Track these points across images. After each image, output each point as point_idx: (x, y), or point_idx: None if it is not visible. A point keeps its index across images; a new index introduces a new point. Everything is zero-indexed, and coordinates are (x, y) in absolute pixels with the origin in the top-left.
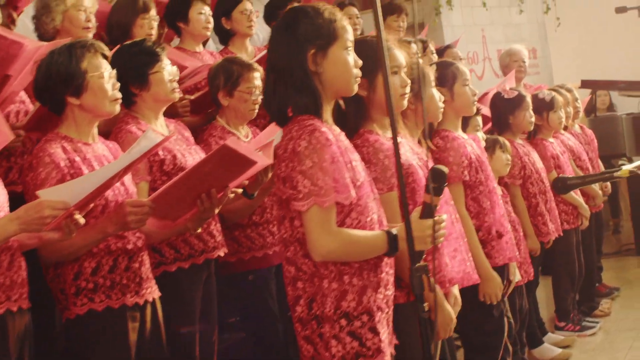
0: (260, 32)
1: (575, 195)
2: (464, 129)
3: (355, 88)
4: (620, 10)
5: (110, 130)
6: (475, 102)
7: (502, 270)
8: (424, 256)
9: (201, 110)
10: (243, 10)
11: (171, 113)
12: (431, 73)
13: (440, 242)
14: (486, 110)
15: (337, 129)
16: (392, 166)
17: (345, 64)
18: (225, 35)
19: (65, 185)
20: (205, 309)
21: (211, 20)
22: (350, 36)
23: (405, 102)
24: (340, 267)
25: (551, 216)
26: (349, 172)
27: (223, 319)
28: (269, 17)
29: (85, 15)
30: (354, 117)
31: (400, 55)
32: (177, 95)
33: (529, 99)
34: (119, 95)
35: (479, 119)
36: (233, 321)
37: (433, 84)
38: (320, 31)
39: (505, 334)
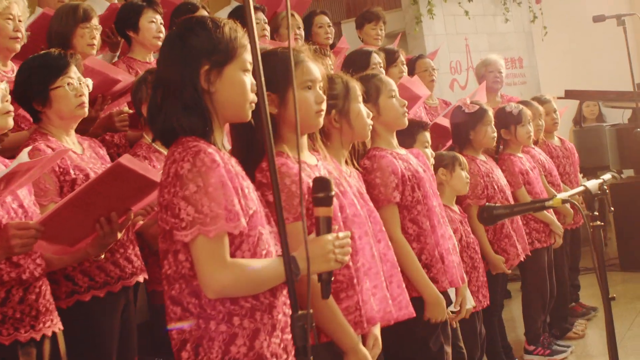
0: None
1: (547, 213)
2: (411, 147)
3: (249, 114)
4: (598, 18)
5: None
6: (406, 114)
7: (448, 295)
8: (332, 278)
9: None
10: None
11: (110, 128)
12: (358, 87)
13: (346, 260)
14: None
15: (227, 154)
16: (300, 193)
17: (241, 86)
18: None
19: None
20: (123, 342)
21: (163, 29)
22: (249, 57)
23: (321, 120)
24: (229, 307)
25: (518, 236)
26: (241, 199)
27: (147, 353)
28: None
29: (14, 25)
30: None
31: (315, 68)
32: (85, 111)
33: (490, 113)
34: (10, 108)
35: (427, 134)
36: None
37: (360, 99)
38: (217, 47)
39: None
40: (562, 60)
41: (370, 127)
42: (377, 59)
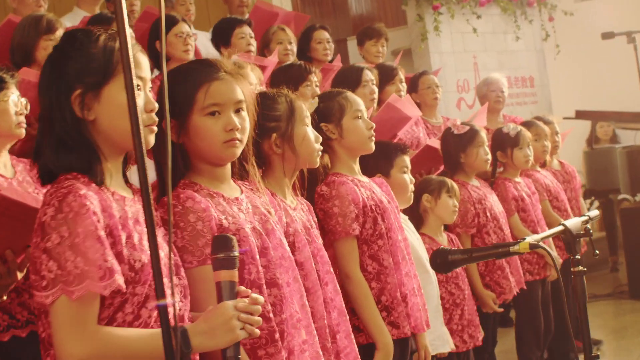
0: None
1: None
2: (388, 172)
3: (149, 138)
4: (607, 36)
5: None
6: (373, 138)
7: (404, 345)
8: (239, 356)
9: None
10: (178, 33)
11: None
12: (305, 108)
13: (256, 332)
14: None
15: (124, 192)
16: (207, 232)
17: (125, 107)
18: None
19: None
20: None
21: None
22: (140, 72)
23: (236, 150)
24: None
25: (512, 268)
26: (124, 250)
27: None
28: (216, 41)
29: None
30: (173, 170)
31: (231, 89)
32: (23, 132)
33: (483, 134)
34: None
35: (406, 158)
36: None
37: (308, 121)
38: (89, 65)
39: None
40: (575, 80)
41: (319, 153)
42: (370, 75)
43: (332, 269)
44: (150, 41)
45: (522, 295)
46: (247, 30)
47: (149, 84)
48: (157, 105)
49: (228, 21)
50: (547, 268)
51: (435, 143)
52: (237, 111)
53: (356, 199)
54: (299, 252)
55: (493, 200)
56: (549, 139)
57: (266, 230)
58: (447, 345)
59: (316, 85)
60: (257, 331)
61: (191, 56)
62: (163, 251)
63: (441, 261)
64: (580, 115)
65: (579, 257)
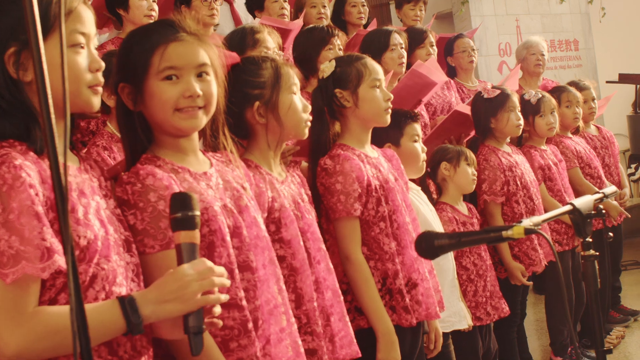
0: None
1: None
2: (398, 141)
3: (92, 102)
4: None
5: None
6: (389, 110)
7: (417, 330)
8: (202, 326)
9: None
10: None
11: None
12: (294, 74)
13: (211, 299)
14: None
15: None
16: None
17: (73, 66)
18: None
19: None
20: None
21: (155, 7)
22: (83, 27)
23: (195, 122)
24: None
25: (540, 239)
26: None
27: None
28: (250, 5)
29: None
30: (133, 142)
31: (191, 50)
32: None
33: (515, 99)
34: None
35: (417, 126)
36: None
37: (296, 88)
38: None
39: None
40: (621, 43)
41: (307, 124)
42: (399, 39)
43: (324, 247)
44: (176, 6)
45: (551, 266)
46: None
47: (94, 41)
48: (103, 64)
49: None
50: (575, 238)
51: (465, 108)
52: (200, 76)
53: (361, 176)
54: (286, 228)
55: (525, 169)
56: (586, 104)
57: (239, 208)
58: (465, 321)
59: (339, 49)
60: (224, 297)
61: (216, 21)
62: (112, 226)
63: (426, 246)
64: (623, 78)
65: (590, 240)
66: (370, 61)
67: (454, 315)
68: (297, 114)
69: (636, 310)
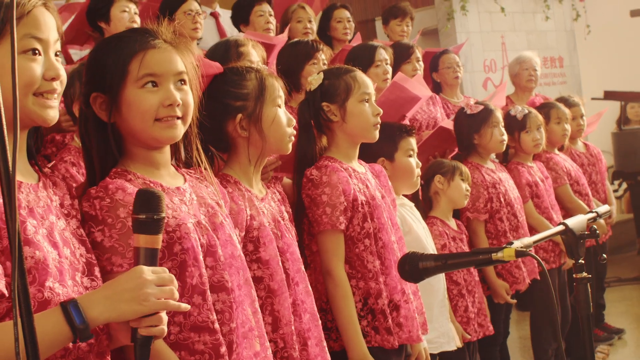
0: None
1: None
2: (392, 155)
3: (40, 111)
4: (636, 13)
5: None
6: (378, 126)
7: (400, 352)
8: (151, 338)
9: None
10: (187, 11)
11: (57, 128)
12: (279, 86)
13: (165, 305)
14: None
15: (22, 177)
16: None
17: (22, 73)
18: None
19: None
20: None
21: (137, 19)
22: (42, 32)
23: (174, 132)
24: None
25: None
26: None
27: None
28: (236, 19)
29: None
30: (103, 155)
31: (170, 59)
32: None
33: (498, 114)
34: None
35: (412, 141)
36: None
37: (280, 101)
38: None
39: None
40: (605, 60)
41: (291, 138)
42: (384, 54)
43: (303, 268)
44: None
45: (537, 284)
46: (266, 8)
47: (56, 47)
48: (61, 73)
49: None
50: (562, 256)
51: (449, 124)
52: (179, 84)
53: (347, 190)
54: (264, 248)
55: (509, 185)
56: (575, 121)
57: (214, 225)
58: (453, 342)
59: (324, 64)
60: (184, 305)
61: (199, 35)
62: (69, 248)
63: (410, 268)
64: (608, 95)
65: (582, 261)
66: (360, 74)
67: (442, 336)
68: (281, 128)
69: (620, 329)
